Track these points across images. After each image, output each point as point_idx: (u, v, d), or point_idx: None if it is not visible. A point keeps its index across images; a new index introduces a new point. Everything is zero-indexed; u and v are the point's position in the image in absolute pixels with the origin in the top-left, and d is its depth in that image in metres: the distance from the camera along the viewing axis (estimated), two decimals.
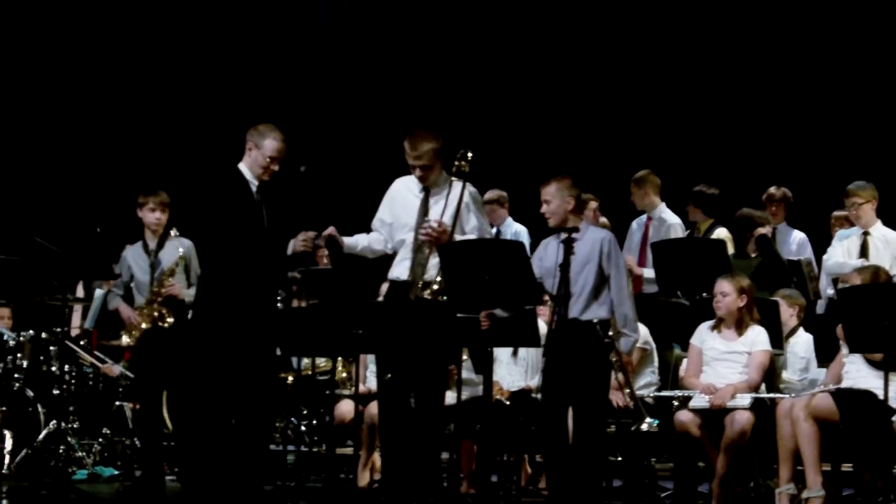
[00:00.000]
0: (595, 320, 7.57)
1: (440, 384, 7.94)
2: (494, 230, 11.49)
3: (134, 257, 9.16)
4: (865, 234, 9.90)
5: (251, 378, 7.77)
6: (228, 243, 7.78)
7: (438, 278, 7.75)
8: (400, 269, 7.93)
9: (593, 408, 7.65)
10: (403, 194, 8.01)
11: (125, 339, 9.03)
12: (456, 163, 7.91)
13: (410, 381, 7.83)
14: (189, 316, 8.87)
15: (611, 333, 7.58)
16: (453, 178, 7.91)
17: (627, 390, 7.70)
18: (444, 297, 7.76)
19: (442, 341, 7.85)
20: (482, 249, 7.79)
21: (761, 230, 9.92)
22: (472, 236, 7.91)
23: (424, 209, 7.93)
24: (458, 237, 7.84)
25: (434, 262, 7.80)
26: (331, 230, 7.92)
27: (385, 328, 7.89)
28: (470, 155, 7.88)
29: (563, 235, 7.73)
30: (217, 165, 8.03)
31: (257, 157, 7.90)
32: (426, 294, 7.75)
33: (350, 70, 14.28)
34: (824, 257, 10.11)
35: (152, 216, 9.11)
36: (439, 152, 7.92)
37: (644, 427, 7.69)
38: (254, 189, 7.91)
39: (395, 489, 7.81)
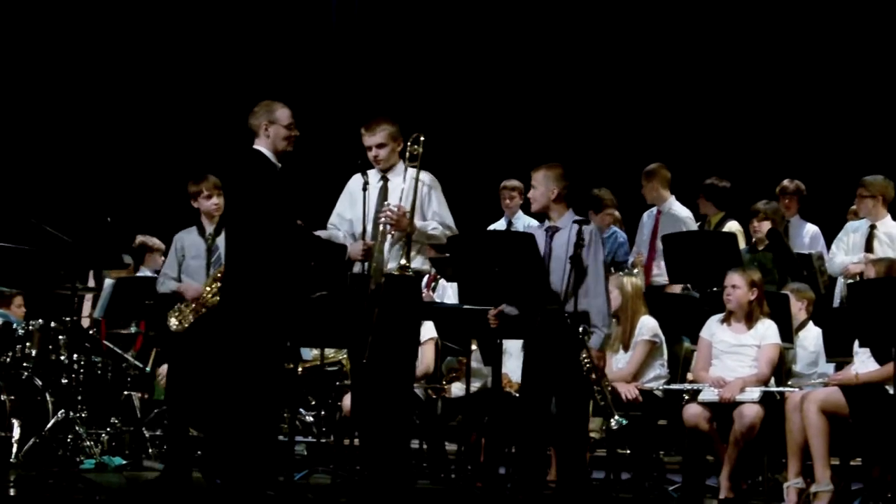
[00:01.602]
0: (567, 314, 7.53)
1: (408, 359, 7.89)
2: (505, 222, 11.52)
3: (190, 242, 8.92)
4: (872, 227, 9.87)
5: (275, 368, 7.74)
6: (271, 229, 7.58)
7: (403, 262, 7.71)
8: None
9: (572, 397, 7.60)
10: (362, 186, 7.95)
11: (173, 323, 8.76)
12: (409, 146, 7.92)
13: (380, 364, 7.76)
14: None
15: (581, 330, 7.52)
16: (409, 164, 7.90)
17: (597, 388, 7.62)
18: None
19: (407, 315, 7.81)
20: (492, 241, 7.77)
21: (756, 223, 9.90)
22: (433, 222, 7.87)
23: (384, 195, 7.92)
24: (417, 222, 7.82)
25: (393, 250, 7.80)
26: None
27: (347, 320, 7.86)
28: (422, 139, 7.89)
29: (547, 224, 7.73)
30: (244, 152, 7.79)
31: (278, 132, 7.73)
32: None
33: (362, 70, 14.27)
34: (828, 256, 10.07)
35: (209, 202, 8.89)
36: (395, 135, 7.95)
37: (613, 425, 7.62)
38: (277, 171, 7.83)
39: (375, 477, 7.79)
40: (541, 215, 7.96)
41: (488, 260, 7.62)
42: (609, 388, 7.81)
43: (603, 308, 7.63)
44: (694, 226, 10.57)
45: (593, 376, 7.57)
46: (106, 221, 10.15)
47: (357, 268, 7.87)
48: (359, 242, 7.80)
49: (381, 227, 7.82)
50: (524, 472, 7.79)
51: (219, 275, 8.55)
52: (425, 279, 10.18)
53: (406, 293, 7.80)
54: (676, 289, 10.15)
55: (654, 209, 10.80)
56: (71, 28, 14.09)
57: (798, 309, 8.80)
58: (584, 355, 7.52)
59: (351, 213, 8.00)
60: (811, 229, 10.69)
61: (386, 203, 7.85)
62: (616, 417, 7.60)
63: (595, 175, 11.85)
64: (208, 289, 8.69)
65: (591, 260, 7.62)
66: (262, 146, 7.77)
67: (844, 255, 9.93)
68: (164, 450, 10.11)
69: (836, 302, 9.90)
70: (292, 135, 7.80)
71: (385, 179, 7.97)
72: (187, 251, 8.90)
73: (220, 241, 8.77)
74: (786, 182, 10.83)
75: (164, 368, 10.49)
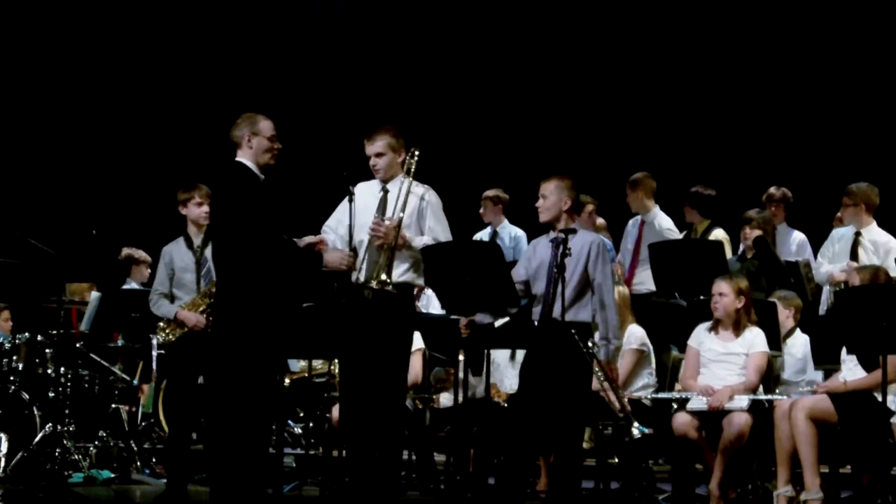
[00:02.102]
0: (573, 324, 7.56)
1: (398, 376, 7.86)
2: (490, 230, 11.53)
3: (178, 255, 8.83)
4: (857, 234, 9.89)
5: (267, 380, 7.73)
6: (257, 242, 7.50)
7: (383, 276, 7.69)
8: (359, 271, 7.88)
9: (569, 408, 7.59)
10: (364, 195, 7.92)
11: (160, 337, 8.73)
12: (407, 160, 7.89)
13: (370, 377, 7.75)
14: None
15: (590, 343, 7.55)
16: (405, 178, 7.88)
17: (615, 398, 7.65)
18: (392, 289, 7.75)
19: (395, 331, 7.79)
20: (459, 252, 7.81)
21: (748, 231, 9.90)
22: (426, 237, 7.85)
23: (382, 208, 7.88)
24: (407, 233, 7.78)
25: (379, 263, 7.76)
26: None
27: (338, 330, 7.85)
28: (417, 153, 7.86)
29: (553, 235, 7.75)
30: (227, 165, 7.70)
31: (261, 143, 7.64)
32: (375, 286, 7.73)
33: (348, 74, 14.28)
34: (814, 265, 10.08)
35: (199, 210, 8.80)
36: (394, 146, 7.91)
37: (635, 433, 7.66)
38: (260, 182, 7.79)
39: (360, 490, 7.77)
40: (532, 225, 7.98)
41: (457, 270, 7.65)
42: (626, 399, 7.86)
43: (614, 320, 7.68)
44: (677, 236, 10.59)
45: (609, 387, 7.59)
46: (91, 234, 10.12)
47: (356, 277, 7.85)
48: (337, 251, 7.78)
49: (369, 240, 7.80)
50: (511, 481, 7.79)
51: (211, 290, 8.51)
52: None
53: (388, 307, 7.76)
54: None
55: (639, 218, 10.81)
56: (58, 41, 14.07)
57: (786, 317, 8.82)
58: (596, 368, 7.54)
59: (349, 218, 7.98)
60: (798, 237, 10.69)
61: (375, 216, 7.84)
62: (637, 426, 7.64)
63: (580, 184, 11.87)
64: (201, 308, 8.67)
65: (598, 273, 7.68)
66: (244, 158, 7.70)
67: (829, 263, 9.95)
68: (156, 462, 10.13)
69: (823, 309, 9.92)
70: (275, 147, 7.73)
71: (385, 191, 7.93)
72: (176, 264, 8.82)
73: (209, 252, 8.72)
74: (772, 189, 10.83)
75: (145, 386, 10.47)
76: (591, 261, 7.66)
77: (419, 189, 7.87)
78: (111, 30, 14.15)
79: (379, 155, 7.90)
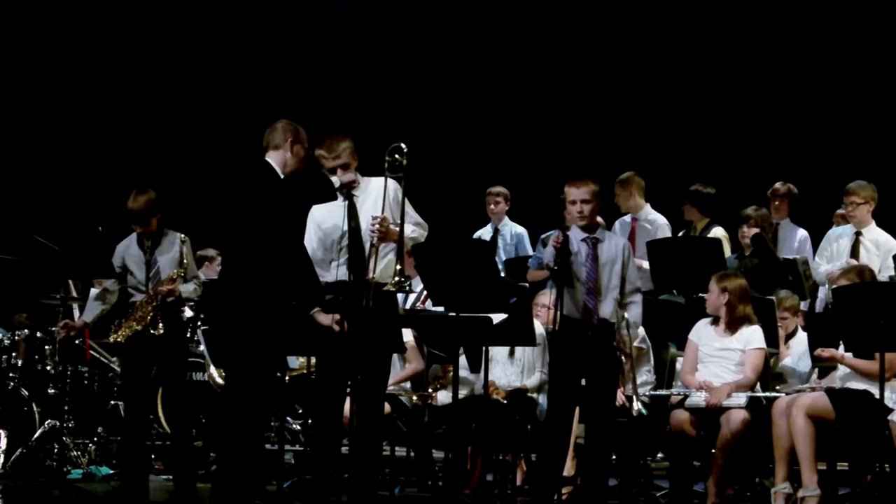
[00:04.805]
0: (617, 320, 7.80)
1: (382, 374, 7.89)
2: (492, 228, 11.53)
3: (129, 253, 8.88)
4: (858, 234, 9.86)
5: (265, 376, 7.75)
6: (270, 242, 7.52)
7: (397, 278, 7.61)
8: (342, 271, 7.81)
9: (610, 407, 7.82)
10: (328, 208, 7.88)
11: (112, 338, 8.83)
12: (388, 158, 7.75)
13: (351, 374, 7.78)
14: (185, 315, 8.77)
15: (623, 331, 7.72)
16: (391, 175, 7.79)
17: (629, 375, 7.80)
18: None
19: (388, 329, 7.81)
20: (450, 249, 7.86)
21: (745, 229, 9.88)
22: (409, 226, 7.77)
23: (352, 214, 7.78)
24: (395, 228, 7.76)
25: (385, 259, 7.75)
26: None
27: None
28: (405, 148, 7.75)
29: (584, 235, 7.87)
30: (255, 162, 7.71)
31: (299, 152, 7.70)
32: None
33: (346, 72, 14.28)
34: (812, 263, 10.05)
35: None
36: (354, 150, 7.82)
37: (634, 411, 7.80)
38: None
39: (324, 484, 7.82)
40: (533, 224, 8.03)
41: (448, 266, 7.68)
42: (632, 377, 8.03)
43: (639, 318, 7.96)
44: (671, 232, 10.59)
45: (627, 364, 7.73)
46: (96, 231, 10.13)
47: (341, 276, 7.85)
48: (328, 317, 7.70)
49: (372, 242, 7.71)
50: (541, 481, 7.86)
51: (139, 313, 8.65)
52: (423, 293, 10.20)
53: (391, 306, 7.80)
54: None
55: (628, 217, 10.78)
56: (62, 38, 14.11)
57: (791, 320, 8.85)
58: (627, 342, 7.77)
59: (326, 231, 7.92)
60: (801, 233, 10.64)
61: (373, 217, 7.78)
62: (637, 405, 7.74)
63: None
64: (138, 313, 8.72)
65: (630, 270, 7.92)
66: (274, 160, 7.70)
67: (827, 263, 9.93)
68: (155, 459, 10.14)
69: (820, 307, 9.91)
70: (303, 164, 7.77)
71: (351, 196, 7.81)
72: (129, 263, 8.85)
73: (159, 251, 8.78)
74: (777, 185, 10.75)
75: None
76: (627, 262, 7.91)
77: (389, 182, 7.81)
78: (114, 28, 14.18)
79: (345, 165, 7.78)
